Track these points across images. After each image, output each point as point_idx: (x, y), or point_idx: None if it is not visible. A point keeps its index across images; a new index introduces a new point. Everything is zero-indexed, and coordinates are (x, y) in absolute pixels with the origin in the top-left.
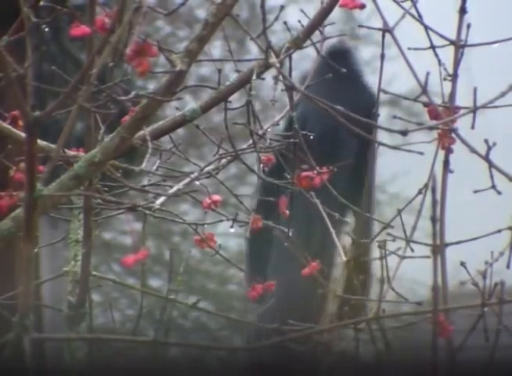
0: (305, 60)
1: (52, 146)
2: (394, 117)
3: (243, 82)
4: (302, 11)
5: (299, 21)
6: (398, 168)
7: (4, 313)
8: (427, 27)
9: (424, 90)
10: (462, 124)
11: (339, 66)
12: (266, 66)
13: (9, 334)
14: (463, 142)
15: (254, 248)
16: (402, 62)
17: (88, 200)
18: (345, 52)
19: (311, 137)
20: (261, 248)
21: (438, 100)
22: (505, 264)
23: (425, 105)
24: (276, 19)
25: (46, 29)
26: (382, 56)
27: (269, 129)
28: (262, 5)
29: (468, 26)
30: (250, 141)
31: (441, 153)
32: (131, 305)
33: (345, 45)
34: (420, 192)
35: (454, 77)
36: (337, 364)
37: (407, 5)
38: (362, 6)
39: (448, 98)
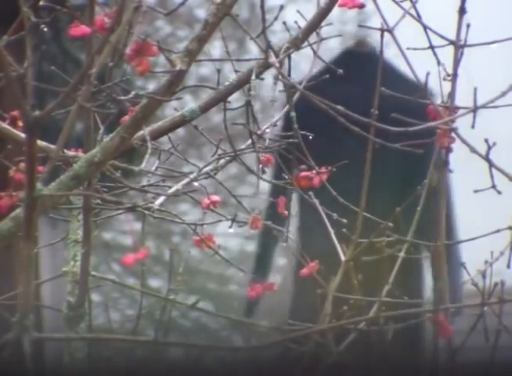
0: (305, 60)
1: (52, 146)
2: (393, 116)
3: (243, 82)
4: (299, 12)
5: (295, 22)
6: None
7: (4, 313)
8: (426, 27)
9: (424, 90)
10: (462, 124)
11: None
12: (266, 66)
13: (9, 334)
14: (463, 142)
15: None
16: (402, 62)
17: (88, 200)
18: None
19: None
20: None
21: (437, 100)
22: (505, 264)
23: (425, 105)
24: (276, 19)
25: (46, 29)
26: (381, 56)
27: (268, 129)
28: (262, 5)
29: (468, 26)
30: (249, 141)
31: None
32: (131, 305)
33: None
34: (418, 191)
35: (454, 77)
36: (337, 364)
37: (406, 5)
38: (362, 6)
39: (447, 98)
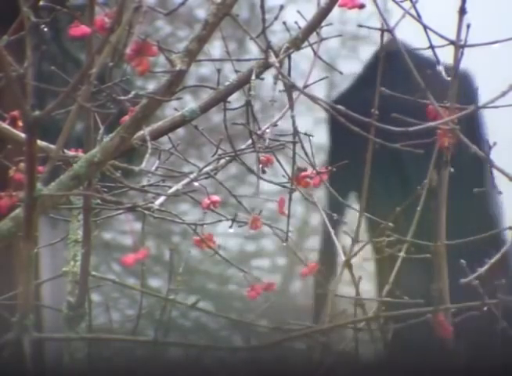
0: (305, 60)
1: (52, 146)
2: (393, 116)
3: (243, 82)
4: (299, 12)
5: (295, 22)
6: None
7: (4, 313)
8: (426, 27)
9: (425, 90)
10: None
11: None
12: (266, 66)
13: (9, 334)
14: (463, 142)
15: None
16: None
17: (88, 200)
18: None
19: None
20: None
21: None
22: None
23: (425, 105)
24: (276, 18)
25: (46, 29)
26: (382, 56)
27: (268, 129)
28: (262, 5)
29: (468, 26)
30: (249, 141)
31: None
32: (131, 305)
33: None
34: (418, 191)
35: (454, 77)
36: (337, 364)
37: (406, 5)
38: (362, 6)
39: (448, 98)
